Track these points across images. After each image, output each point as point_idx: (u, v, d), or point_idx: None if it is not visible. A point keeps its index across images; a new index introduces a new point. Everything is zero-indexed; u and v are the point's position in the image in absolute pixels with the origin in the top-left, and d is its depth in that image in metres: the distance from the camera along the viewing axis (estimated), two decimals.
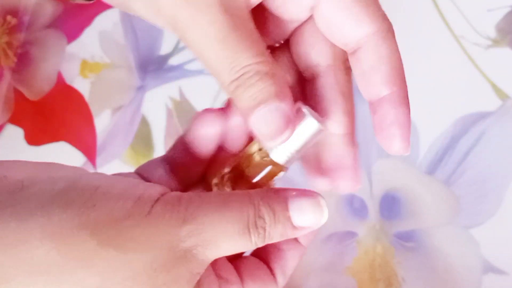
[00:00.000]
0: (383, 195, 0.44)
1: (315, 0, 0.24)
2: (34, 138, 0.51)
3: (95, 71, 0.51)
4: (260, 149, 0.25)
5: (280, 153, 0.24)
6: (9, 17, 0.53)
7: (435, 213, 0.44)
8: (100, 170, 0.48)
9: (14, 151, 0.51)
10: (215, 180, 0.26)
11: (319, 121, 0.24)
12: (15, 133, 0.51)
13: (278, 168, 0.25)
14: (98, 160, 0.49)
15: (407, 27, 0.46)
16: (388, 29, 0.24)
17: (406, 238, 0.44)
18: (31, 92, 0.52)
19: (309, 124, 0.24)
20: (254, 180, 0.25)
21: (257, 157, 0.25)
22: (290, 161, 0.25)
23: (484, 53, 0.45)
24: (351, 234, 0.44)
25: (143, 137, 0.49)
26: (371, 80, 0.24)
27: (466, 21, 0.46)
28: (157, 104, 0.49)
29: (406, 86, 0.24)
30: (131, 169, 0.48)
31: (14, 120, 0.52)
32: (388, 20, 0.24)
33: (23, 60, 0.52)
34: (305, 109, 0.24)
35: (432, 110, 0.45)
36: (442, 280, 0.43)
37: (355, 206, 0.45)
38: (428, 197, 0.44)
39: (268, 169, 0.25)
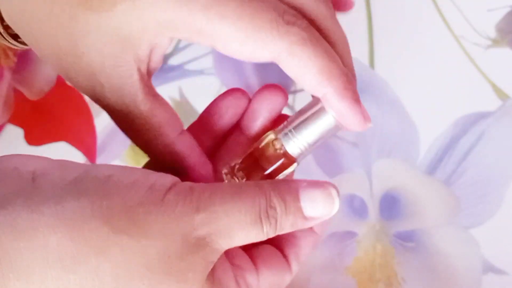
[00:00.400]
0: (383, 195, 0.44)
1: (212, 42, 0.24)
2: (34, 138, 0.51)
3: None
4: (274, 141, 0.25)
5: (294, 145, 0.25)
6: None
7: (435, 213, 0.44)
8: None
9: (14, 151, 0.51)
10: (224, 170, 0.27)
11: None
12: (15, 133, 0.51)
13: (291, 160, 0.25)
14: (98, 160, 0.49)
15: (407, 27, 0.46)
16: (297, 41, 0.24)
17: (406, 238, 0.44)
18: (31, 92, 0.52)
19: (326, 120, 0.24)
20: (267, 172, 0.25)
21: (271, 149, 0.25)
22: (303, 154, 0.25)
23: (484, 53, 0.45)
24: (351, 234, 0.44)
25: None
26: (303, 85, 0.25)
27: (466, 21, 0.46)
28: None
29: (340, 81, 0.24)
30: None
31: (14, 120, 0.51)
32: (295, 35, 0.24)
33: (23, 60, 0.52)
34: (323, 104, 0.25)
35: (432, 110, 0.45)
36: (442, 280, 0.43)
37: (355, 206, 0.45)
38: (428, 197, 0.44)
39: (281, 161, 0.25)
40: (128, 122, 0.26)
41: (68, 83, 0.26)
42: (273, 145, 0.25)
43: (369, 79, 0.44)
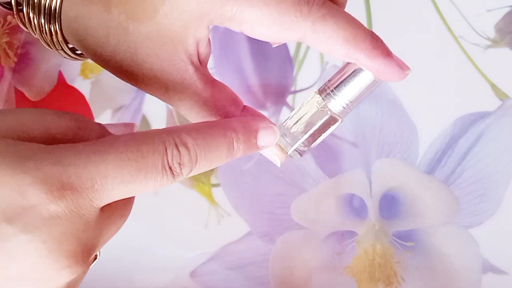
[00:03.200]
0: (383, 195, 0.44)
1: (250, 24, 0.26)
2: None
3: (96, 71, 0.51)
4: (318, 100, 0.28)
5: (337, 104, 0.27)
6: (9, 17, 0.53)
7: (435, 212, 0.44)
8: None
9: None
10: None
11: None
12: None
13: (335, 117, 0.27)
14: None
15: (407, 27, 0.46)
16: (318, 19, 0.25)
17: (405, 238, 0.44)
18: (32, 92, 0.52)
19: (365, 77, 0.26)
20: (313, 129, 0.28)
21: (316, 108, 0.28)
22: (345, 111, 0.27)
23: (483, 53, 0.45)
24: (350, 234, 0.45)
25: None
26: (335, 56, 0.26)
27: (465, 21, 0.46)
28: (157, 104, 0.50)
29: (367, 42, 0.26)
30: None
31: None
32: (316, 13, 0.25)
33: (23, 60, 0.52)
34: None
35: (431, 110, 0.45)
36: (441, 279, 0.43)
37: (354, 206, 0.45)
38: (427, 197, 0.44)
39: (325, 118, 0.27)
40: (194, 111, 0.28)
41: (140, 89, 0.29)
42: (318, 105, 0.28)
43: None
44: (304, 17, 0.25)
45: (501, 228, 0.43)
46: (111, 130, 0.27)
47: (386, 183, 0.44)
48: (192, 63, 0.27)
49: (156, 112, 0.50)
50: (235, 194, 0.47)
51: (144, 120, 0.49)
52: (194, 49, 0.27)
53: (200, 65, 0.28)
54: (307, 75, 0.47)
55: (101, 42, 0.27)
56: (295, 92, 0.47)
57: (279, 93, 0.47)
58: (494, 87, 0.45)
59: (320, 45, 0.26)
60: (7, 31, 0.53)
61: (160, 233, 0.48)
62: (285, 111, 0.47)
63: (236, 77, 0.47)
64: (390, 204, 0.44)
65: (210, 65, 0.48)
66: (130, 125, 0.30)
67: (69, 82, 0.51)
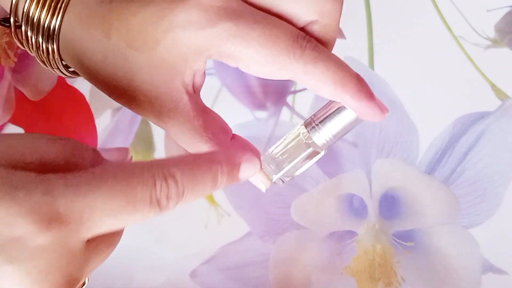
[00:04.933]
0: (383, 195, 0.45)
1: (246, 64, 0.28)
2: None
3: None
4: (303, 133, 0.29)
5: (321, 137, 0.29)
6: (7, 16, 0.53)
7: (435, 212, 0.44)
8: None
9: None
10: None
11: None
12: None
13: (318, 150, 0.29)
14: None
15: (407, 27, 0.47)
16: (309, 61, 0.27)
17: (405, 238, 0.44)
18: (32, 92, 0.52)
19: (348, 115, 0.28)
20: (297, 160, 0.29)
21: (300, 140, 0.29)
22: (327, 144, 0.29)
23: (483, 53, 0.45)
24: (350, 234, 0.45)
25: (144, 137, 0.49)
26: (323, 95, 0.28)
27: (465, 21, 0.46)
28: None
29: (353, 85, 0.27)
30: None
31: (15, 120, 0.52)
32: (308, 55, 0.27)
33: (23, 60, 0.52)
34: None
35: (431, 110, 0.45)
36: (441, 279, 0.43)
37: (354, 206, 0.45)
38: (427, 197, 0.44)
39: (310, 150, 0.29)
40: (186, 137, 0.29)
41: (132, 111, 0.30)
42: (303, 136, 0.30)
43: (368, 79, 0.44)
44: (296, 59, 0.27)
45: (501, 228, 0.43)
46: (105, 155, 0.27)
47: (386, 183, 0.45)
48: (187, 92, 0.28)
49: None
50: (235, 194, 0.47)
51: (144, 120, 0.50)
52: (191, 80, 0.28)
53: (194, 93, 0.29)
54: None
55: (98, 65, 0.28)
56: (295, 92, 0.47)
57: (279, 93, 0.47)
58: (494, 87, 0.45)
59: (309, 85, 0.28)
60: (7, 31, 0.53)
61: (160, 233, 0.48)
62: (285, 111, 0.47)
63: (236, 77, 0.47)
64: (390, 204, 0.44)
65: (210, 65, 0.48)
66: (124, 150, 0.30)
67: (69, 82, 0.51)
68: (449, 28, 0.46)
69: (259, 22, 0.27)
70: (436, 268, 0.44)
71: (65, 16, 0.28)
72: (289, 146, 0.30)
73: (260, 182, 0.30)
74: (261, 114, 0.47)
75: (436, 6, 0.46)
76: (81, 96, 0.51)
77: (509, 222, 0.43)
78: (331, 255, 0.44)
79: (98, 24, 0.28)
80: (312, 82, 0.27)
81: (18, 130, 0.52)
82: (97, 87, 0.30)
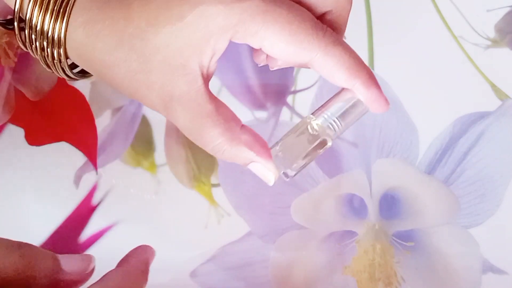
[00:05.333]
0: (383, 195, 0.45)
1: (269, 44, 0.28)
2: (35, 138, 0.51)
3: None
4: (312, 121, 0.30)
5: (329, 126, 0.30)
6: (9, 17, 0.53)
7: (435, 212, 0.44)
8: (101, 170, 0.48)
9: (14, 151, 0.51)
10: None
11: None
12: (15, 133, 0.51)
13: (326, 139, 0.30)
14: (99, 160, 0.49)
15: (407, 27, 0.47)
16: (330, 43, 0.28)
17: (405, 238, 0.44)
18: (32, 92, 0.52)
19: (357, 105, 0.29)
20: (305, 151, 0.30)
21: (309, 129, 0.30)
22: (336, 134, 0.30)
23: (483, 53, 0.45)
24: (350, 234, 0.45)
25: (144, 137, 0.49)
26: (335, 82, 0.29)
27: (465, 21, 0.46)
28: None
29: (365, 72, 0.29)
30: (132, 169, 0.48)
31: (15, 120, 0.52)
32: (329, 37, 0.28)
33: (23, 60, 0.52)
34: (351, 92, 0.30)
35: (431, 110, 0.45)
36: (441, 279, 0.43)
37: (354, 206, 0.45)
38: (427, 197, 0.44)
39: (318, 140, 0.30)
40: (196, 123, 0.28)
41: (142, 103, 0.30)
42: (310, 128, 0.30)
43: None
44: (319, 39, 0.28)
45: (501, 228, 0.43)
46: (67, 263, 0.27)
47: (386, 183, 0.45)
48: (202, 75, 0.28)
49: (156, 112, 0.50)
50: (235, 194, 0.47)
51: (144, 120, 0.49)
52: (208, 62, 0.28)
53: (207, 79, 0.29)
54: (307, 75, 0.47)
55: (111, 49, 0.28)
56: (295, 92, 0.47)
57: (279, 93, 0.47)
58: (494, 87, 0.45)
59: (325, 68, 0.28)
60: (7, 31, 0.53)
61: (160, 233, 0.48)
62: (285, 111, 0.47)
63: (236, 77, 0.47)
64: (390, 204, 0.44)
65: None
66: (87, 258, 0.28)
67: (69, 82, 0.51)
68: (449, 28, 0.46)
69: (284, 2, 0.28)
70: (436, 268, 0.44)
71: (71, 17, 0.28)
72: (296, 138, 0.30)
73: (269, 173, 0.30)
74: (261, 114, 0.47)
75: (436, 6, 0.46)
76: (81, 96, 0.51)
77: (509, 222, 0.43)
78: (331, 255, 0.44)
79: (118, 9, 0.27)
80: (330, 65, 0.28)
81: (18, 130, 0.52)
82: (111, 83, 0.29)
